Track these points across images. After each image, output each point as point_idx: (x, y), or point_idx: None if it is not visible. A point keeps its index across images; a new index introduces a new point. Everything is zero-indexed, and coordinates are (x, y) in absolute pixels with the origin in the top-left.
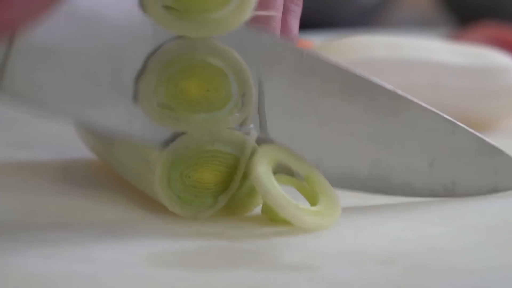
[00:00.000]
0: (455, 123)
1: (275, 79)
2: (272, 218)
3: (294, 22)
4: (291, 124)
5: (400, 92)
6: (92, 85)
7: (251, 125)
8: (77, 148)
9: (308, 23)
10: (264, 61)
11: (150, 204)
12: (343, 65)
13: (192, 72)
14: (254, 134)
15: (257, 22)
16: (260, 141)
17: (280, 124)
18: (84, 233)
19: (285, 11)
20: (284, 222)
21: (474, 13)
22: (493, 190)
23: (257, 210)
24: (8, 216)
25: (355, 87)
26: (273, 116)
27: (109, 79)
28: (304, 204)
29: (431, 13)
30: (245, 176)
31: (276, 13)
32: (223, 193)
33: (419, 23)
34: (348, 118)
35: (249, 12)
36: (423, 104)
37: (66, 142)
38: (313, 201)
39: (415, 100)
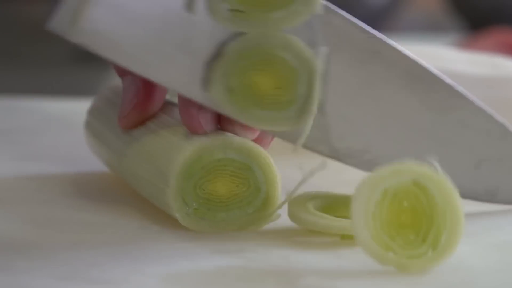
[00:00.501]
0: (507, 128)
1: (339, 60)
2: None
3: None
4: (347, 105)
5: (459, 88)
6: (162, 40)
7: None
8: (87, 161)
9: None
10: (332, 40)
11: (165, 219)
12: (407, 52)
13: (266, 66)
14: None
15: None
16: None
17: (337, 104)
18: (98, 252)
19: (259, 138)
20: None
21: (484, 18)
22: None
23: (270, 225)
24: (18, 233)
25: (416, 76)
26: (331, 96)
27: (179, 41)
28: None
29: (440, 17)
30: (258, 189)
31: None
32: (236, 207)
33: (427, 27)
34: (404, 107)
35: (315, 7)
36: (479, 103)
37: (75, 154)
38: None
39: (472, 98)
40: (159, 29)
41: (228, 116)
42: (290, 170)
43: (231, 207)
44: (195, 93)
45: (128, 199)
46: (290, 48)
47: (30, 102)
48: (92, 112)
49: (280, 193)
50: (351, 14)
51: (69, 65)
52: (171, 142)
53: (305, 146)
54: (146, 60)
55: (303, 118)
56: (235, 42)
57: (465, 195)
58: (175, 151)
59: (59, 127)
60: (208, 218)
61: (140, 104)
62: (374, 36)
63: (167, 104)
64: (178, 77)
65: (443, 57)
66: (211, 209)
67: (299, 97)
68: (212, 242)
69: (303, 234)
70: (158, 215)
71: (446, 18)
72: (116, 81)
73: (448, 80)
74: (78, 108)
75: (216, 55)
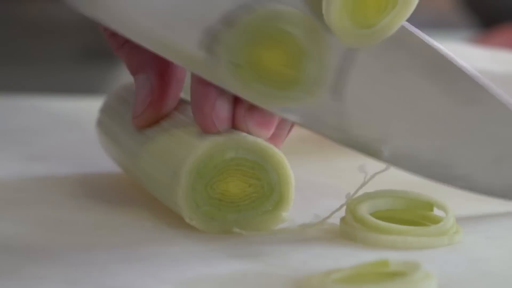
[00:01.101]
0: None
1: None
2: None
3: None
4: (367, 92)
5: (482, 80)
6: (172, 9)
7: None
8: (97, 161)
9: None
10: None
11: (179, 222)
12: (430, 41)
13: (275, 42)
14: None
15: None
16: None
17: (357, 91)
18: (110, 256)
19: (273, 137)
20: None
21: (496, 15)
22: None
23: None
24: (27, 236)
25: (439, 66)
26: (352, 82)
27: (191, 15)
28: None
29: (450, 14)
30: (271, 189)
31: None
32: (248, 207)
33: (437, 25)
34: (425, 97)
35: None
36: (504, 97)
37: (84, 155)
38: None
39: (496, 90)
40: (174, 4)
41: (231, 91)
42: (301, 170)
43: (243, 208)
44: (201, 68)
45: (141, 201)
46: (302, 26)
47: (37, 101)
48: (104, 110)
49: (293, 194)
50: None
51: (77, 63)
52: (184, 141)
53: (321, 133)
54: (158, 35)
55: (310, 100)
56: (247, 15)
57: (482, 191)
58: (187, 149)
59: (67, 127)
60: (218, 219)
61: (154, 103)
62: (401, 26)
63: (182, 103)
64: (186, 51)
65: (463, 54)
66: (222, 210)
67: (307, 78)
68: (228, 245)
69: (321, 238)
70: (172, 218)
71: (456, 15)
72: (126, 79)
73: (472, 72)
74: (86, 107)
75: (225, 26)
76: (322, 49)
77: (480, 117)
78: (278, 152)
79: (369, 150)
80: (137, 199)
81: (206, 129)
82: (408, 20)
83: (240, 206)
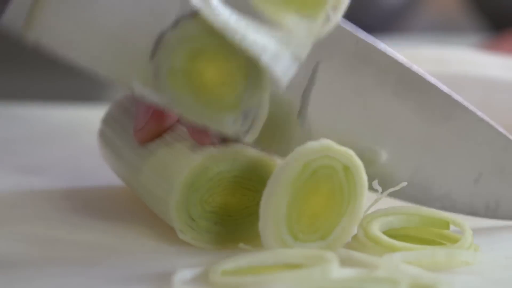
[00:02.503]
0: (509, 139)
1: (328, 66)
2: None
3: None
4: (335, 113)
5: (456, 96)
6: (115, 44)
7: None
8: (97, 173)
9: None
10: (321, 46)
11: (181, 241)
12: (400, 58)
13: (215, 55)
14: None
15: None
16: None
17: (323, 112)
18: (110, 277)
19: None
20: None
21: (508, 18)
22: None
23: None
24: (22, 256)
25: (410, 83)
26: (317, 103)
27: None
28: None
29: (458, 17)
30: None
31: None
32: (245, 220)
33: (444, 28)
34: (396, 116)
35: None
36: (479, 113)
37: (84, 167)
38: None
39: (471, 107)
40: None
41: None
42: None
43: (241, 221)
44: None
45: (143, 218)
46: (244, 41)
47: (34, 109)
48: (106, 121)
49: None
50: (365, 14)
51: (75, 70)
52: (181, 154)
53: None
54: (98, 56)
55: (244, 130)
56: (191, 20)
57: (463, 211)
58: (182, 162)
59: (65, 137)
60: (213, 232)
61: (155, 116)
62: (364, 41)
63: None
64: (137, 64)
65: (472, 61)
66: (218, 223)
67: (243, 103)
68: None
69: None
70: (175, 236)
71: (465, 18)
72: None
73: (445, 88)
74: (85, 116)
75: (170, 28)
76: (261, 71)
77: (457, 133)
78: (275, 164)
79: None
80: (138, 216)
81: (199, 142)
82: (414, 24)
83: (238, 220)
